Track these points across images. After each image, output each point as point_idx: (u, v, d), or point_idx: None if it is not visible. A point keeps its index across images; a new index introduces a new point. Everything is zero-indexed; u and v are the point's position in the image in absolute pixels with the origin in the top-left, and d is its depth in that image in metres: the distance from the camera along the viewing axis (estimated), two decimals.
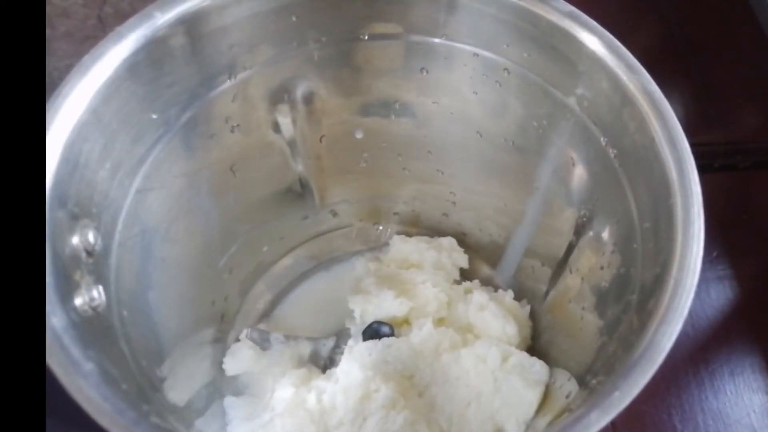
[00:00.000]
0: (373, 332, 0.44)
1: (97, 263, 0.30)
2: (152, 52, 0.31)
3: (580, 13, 0.33)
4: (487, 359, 0.41)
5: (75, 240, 0.29)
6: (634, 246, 0.33)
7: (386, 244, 0.51)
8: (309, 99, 0.40)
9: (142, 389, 0.31)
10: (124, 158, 0.32)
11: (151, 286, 0.36)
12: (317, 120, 0.42)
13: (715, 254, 0.55)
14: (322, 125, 0.43)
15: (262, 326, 0.47)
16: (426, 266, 0.48)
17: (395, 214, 0.52)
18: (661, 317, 0.27)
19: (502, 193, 0.45)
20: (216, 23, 0.33)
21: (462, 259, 0.50)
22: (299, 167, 0.44)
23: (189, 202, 0.39)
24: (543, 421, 0.38)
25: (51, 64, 0.52)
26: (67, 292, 0.27)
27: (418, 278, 0.47)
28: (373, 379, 0.41)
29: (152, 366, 0.34)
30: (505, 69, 0.37)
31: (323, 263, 0.51)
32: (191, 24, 0.32)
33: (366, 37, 0.38)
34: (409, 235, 0.51)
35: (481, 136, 0.42)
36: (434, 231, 0.52)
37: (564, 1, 0.34)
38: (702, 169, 0.30)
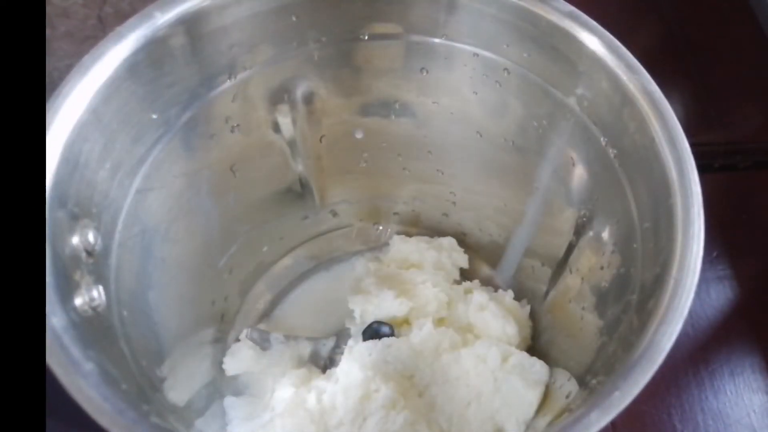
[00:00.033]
0: (373, 332, 0.44)
1: (97, 263, 0.30)
2: (152, 52, 0.31)
3: (580, 13, 0.33)
4: (487, 359, 0.41)
5: (75, 240, 0.29)
6: (634, 246, 0.33)
7: (386, 244, 0.51)
8: (309, 99, 0.40)
9: (142, 389, 0.31)
10: (124, 158, 0.32)
11: (151, 286, 0.36)
12: (317, 120, 0.42)
13: (715, 254, 0.55)
14: (322, 125, 0.43)
15: (262, 326, 0.47)
16: (426, 266, 0.48)
17: (395, 214, 0.52)
18: (661, 317, 0.27)
19: (502, 193, 0.45)
20: (216, 23, 0.33)
21: (462, 259, 0.50)
22: (299, 167, 0.44)
23: (189, 202, 0.39)
24: (543, 421, 0.38)
25: (51, 64, 0.52)
26: (67, 292, 0.27)
27: (418, 278, 0.47)
28: (373, 379, 0.41)
29: (152, 366, 0.34)
30: (505, 69, 0.37)
31: (323, 263, 0.51)
32: (191, 24, 0.32)
33: (366, 37, 0.38)
34: (409, 235, 0.51)
35: (481, 136, 0.42)
36: (434, 231, 0.52)
37: (564, 1, 0.34)
38: (702, 169, 0.30)
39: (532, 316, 0.47)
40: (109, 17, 0.57)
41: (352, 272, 0.50)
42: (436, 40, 0.38)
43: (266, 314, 0.49)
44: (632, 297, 0.32)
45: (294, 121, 0.41)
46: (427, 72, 0.40)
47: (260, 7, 0.34)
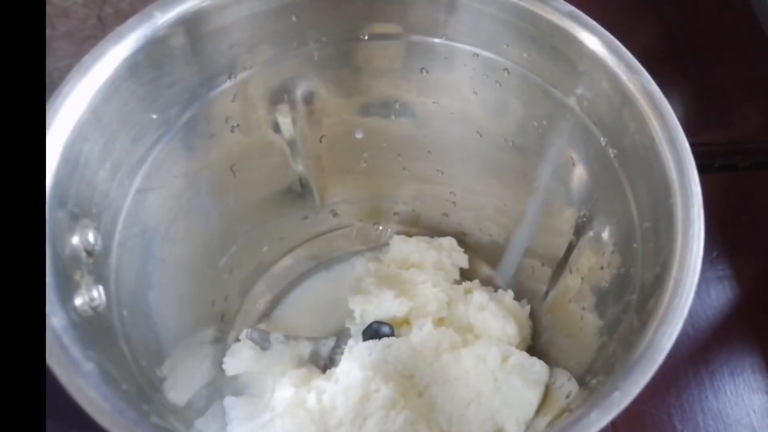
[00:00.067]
0: (373, 332, 0.44)
1: (97, 263, 0.30)
2: (152, 52, 0.31)
3: (580, 13, 0.33)
4: (487, 359, 0.41)
5: (75, 240, 0.29)
6: (634, 246, 0.33)
7: (386, 244, 0.51)
8: (309, 99, 0.40)
9: (142, 389, 0.31)
10: (124, 158, 0.32)
11: (151, 286, 0.36)
12: (317, 120, 0.42)
13: (715, 254, 0.55)
14: (322, 125, 0.43)
15: (262, 326, 0.47)
16: (426, 266, 0.48)
17: (395, 214, 0.52)
18: (661, 317, 0.27)
19: (502, 193, 0.45)
20: (216, 23, 0.33)
21: (462, 259, 0.50)
22: (299, 167, 0.44)
23: (189, 202, 0.39)
24: (543, 421, 0.38)
25: (51, 64, 0.52)
26: (67, 292, 0.27)
27: (418, 278, 0.47)
28: (373, 379, 0.41)
29: (152, 366, 0.34)
30: (505, 69, 0.37)
31: (323, 263, 0.51)
32: (191, 24, 0.32)
33: (366, 37, 0.38)
34: (409, 235, 0.51)
35: (481, 136, 0.42)
36: (434, 231, 0.52)
37: (564, 1, 0.34)
38: (702, 169, 0.30)
39: (532, 316, 0.47)
40: (109, 17, 0.57)
41: (352, 272, 0.50)
42: (436, 40, 0.38)
43: (266, 314, 0.49)
44: (632, 297, 0.32)
45: (294, 121, 0.41)
46: (427, 72, 0.40)
47: (260, 7, 0.34)
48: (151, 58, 0.31)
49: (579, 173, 0.38)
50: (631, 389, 0.26)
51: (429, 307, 0.45)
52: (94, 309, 0.29)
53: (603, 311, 0.36)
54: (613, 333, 0.33)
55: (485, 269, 0.51)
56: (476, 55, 0.38)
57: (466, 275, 0.50)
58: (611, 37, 0.33)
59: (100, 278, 0.30)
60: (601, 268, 0.36)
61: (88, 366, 0.25)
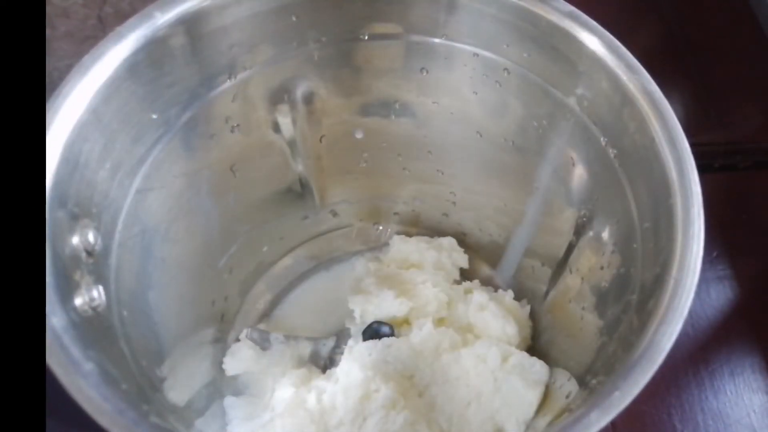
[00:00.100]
0: (373, 332, 0.44)
1: (97, 263, 0.30)
2: (152, 52, 0.31)
3: (580, 13, 0.33)
4: (487, 359, 0.41)
5: (75, 240, 0.29)
6: (634, 246, 0.33)
7: (386, 244, 0.51)
8: (309, 99, 0.40)
9: (142, 389, 0.31)
10: (124, 158, 0.32)
11: (151, 286, 0.36)
12: (317, 120, 0.42)
13: (715, 254, 0.55)
14: (322, 125, 0.43)
15: (262, 326, 0.47)
16: (426, 266, 0.48)
17: (395, 214, 0.52)
18: (661, 317, 0.27)
19: (502, 193, 0.45)
20: (216, 23, 0.33)
21: (462, 259, 0.50)
22: (299, 167, 0.44)
23: (189, 202, 0.39)
24: (543, 421, 0.38)
25: (51, 64, 0.52)
26: (67, 292, 0.27)
27: (418, 278, 0.47)
28: (373, 379, 0.41)
29: (152, 366, 0.34)
30: (505, 69, 0.37)
31: (323, 263, 0.51)
32: (191, 24, 0.32)
33: (366, 37, 0.38)
34: (409, 235, 0.51)
35: (481, 136, 0.42)
36: (434, 231, 0.52)
37: (564, 1, 0.34)
38: (702, 169, 0.30)
39: (532, 316, 0.47)
40: (109, 17, 0.57)
41: (352, 272, 0.50)
42: (436, 40, 0.38)
43: (266, 314, 0.49)
44: (632, 297, 0.32)
45: (294, 121, 0.41)
46: (427, 72, 0.40)
47: (260, 7, 0.34)
48: (151, 58, 0.31)
49: (579, 173, 0.38)
50: (631, 389, 0.26)
51: (429, 307, 0.45)
52: (94, 309, 0.29)
53: (603, 311, 0.36)
54: (613, 333, 0.33)
55: (485, 269, 0.51)
56: (476, 55, 0.38)
57: (466, 275, 0.50)
58: (611, 37, 0.33)
59: (100, 278, 0.30)
60: (601, 268, 0.36)
61: (88, 366, 0.25)
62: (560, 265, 0.42)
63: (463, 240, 0.51)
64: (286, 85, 0.39)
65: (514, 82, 0.38)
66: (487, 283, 0.50)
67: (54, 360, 0.24)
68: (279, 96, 0.39)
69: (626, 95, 0.32)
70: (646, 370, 0.26)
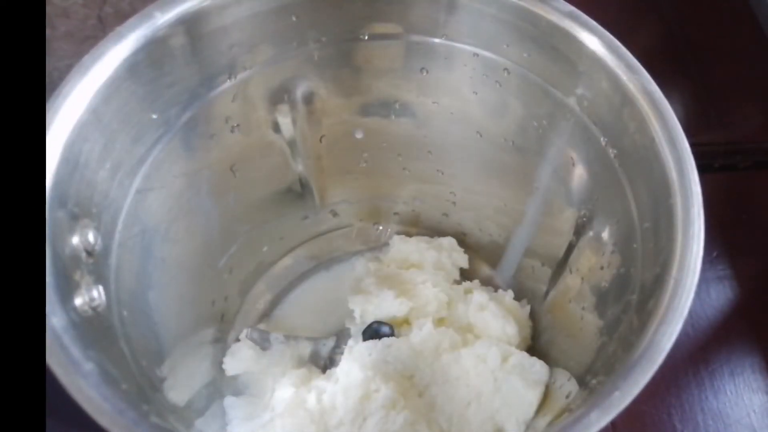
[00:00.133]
0: (373, 332, 0.44)
1: (97, 263, 0.30)
2: (152, 52, 0.31)
3: (580, 13, 0.33)
4: (487, 359, 0.41)
5: (75, 240, 0.29)
6: (634, 246, 0.33)
7: (386, 244, 0.51)
8: (309, 99, 0.40)
9: (142, 389, 0.31)
10: (124, 158, 0.32)
11: (151, 286, 0.36)
12: (317, 120, 0.42)
13: (715, 254, 0.55)
14: (322, 125, 0.43)
15: (262, 326, 0.47)
16: (426, 266, 0.48)
17: (395, 214, 0.52)
18: (661, 317, 0.27)
19: (502, 193, 0.45)
20: (216, 23, 0.33)
21: (462, 259, 0.50)
22: (299, 167, 0.44)
23: (189, 202, 0.39)
24: (543, 421, 0.38)
25: (51, 64, 0.52)
26: (67, 292, 0.27)
27: (418, 278, 0.47)
28: (373, 379, 0.41)
29: (152, 366, 0.34)
30: (505, 69, 0.37)
31: (323, 263, 0.51)
32: (191, 24, 0.32)
33: (366, 37, 0.38)
34: (409, 235, 0.51)
35: (481, 136, 0.42)
36: (434, 231, 0.52)
37: (564, 1, 0.34)
38: (702, 169, 0.30)
39: (532, 316, 0.47)
40: (109, 17, 0.57)
41: (352, 272, 0.50)
42: (436, 40, 0.38)
43: (266, 314, 0.49)
44: (632, 297, 0.32)
45: (294, 121, 0.41)
46: (427, 72, 0.40)
47: (260, 7, 0.34)
48: (151, 58, 0.31)
49: (579, 173, 0.38)
50: (631, 389, 0.26)
51: (429, 307, 0.45)
52: (94, 309, 0.29)
53: (603, 311, 0.36)
54: (613, 333, 0.33)
55: (485, 269, 0.51)
56: (476, 55, 0.38)
57: (466, 275, 0.50)
58: (611, 37, 0.33)
59: (100, 278, 0.30)
60: (601, 268, 0.36)
61: (88, 366, 0.25)
62: (560, 265, 0.42)
63: (463, 240, 0.51)
64: (286, 85, 0.39)
65: (514, 82, 0.38)
66: (487, 283, 0.50)
67: (54, 360, 0.24)
68: (279, 96, 0.39)
69: (626, 95, 0.32)
70: (646, 370, 0.26)
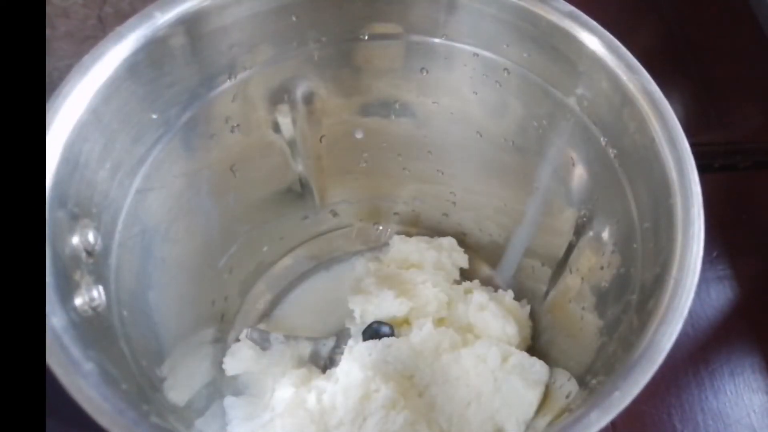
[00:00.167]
0: (373, 332, 0.44)
1: (97, 263, 0.30)
2: (152, 52, 0.31)
3: (580, 13, 0.33)
4: (487, 359, 0.41)
5: (75, 240, 0.29)
6: (634, 246, 0.33)
7: (386, 244, 0.51)
8: (309, 99, 0.40)
9: (142, 389, 0.31)
10: (124, 158, 0.32)
11: (151, 286, 0.36)
12: (317, 120, 0.42)
13: (715, 254, 0.55)
14: (322, 125, 0.43)
15: (262, 326, 0.47)
16: (426, 266, 0.48)
17: (395, 214, 0.52)
18: (661, 317, 0.27)
19: (502, 193, 0.45)
20: (216, 23, 0.33)
21: (462, 259, 0.50)
22: (299, 167, 0.44)
23: (189, 202, 0.39)
24: (543, 421, 0.38)
25: (51, 64, 0.52)
26: (67, 292, 0.27)
27: (418, 278, 0.47)
28: (373, 379, 0.41)
29: (152, 366, 0.34)
30: (505, 69, 0.37)
31: (323, 263, 0.51)
32: (191, 24, 0.32)
33: (366, 37, 0.38)
34: (409, 235, 0.51)
35: (481, 136, 0.42)
36: (434, 231, 0.52)
37: (564, 1, 0.34)
38: (702, 169, 0.30)
39: (532, 316, 0.47)
40: (109, 17, 0.57)
41: (352, 272, 0.50)
42: (436, 40, 0.38)
43: (266, 314, 0.49)
44: (632, 297, 0.32)
45: (294, 121, 0.41)
46: (427, 72, 0.40)
47: (260, 7, 0.34)
48: (151, 58, 0.31)
49: (579, 173, 0.38)
50: (631, 389, 0.26)
51: (429, 307, 0.45)
52: (94, 309, 0.29)
53: (603, 311, 0.36)
54: (613, 333, 0.33)
55: (485, 269, 0.51)
56: (476, 55, 0.38)
57: (466, 275, 0.50)
58: (611, 37, 0.33)
59: (100, 278, 0.30)
60: (601, 268, 0.36)
61: (88, 366, 0.25)
62: (560, 265, 0.42)
63: (463, 240, 0.51)
64: (286, 85, 0.39)
65: (514, 82, 0.38)
66: (487, 283, 0.50)
67: (54, 360, 0.24)
68: (279, 96, 0.39)
69: (626, 95, 0.32)
70: (646, 370, 0.26)
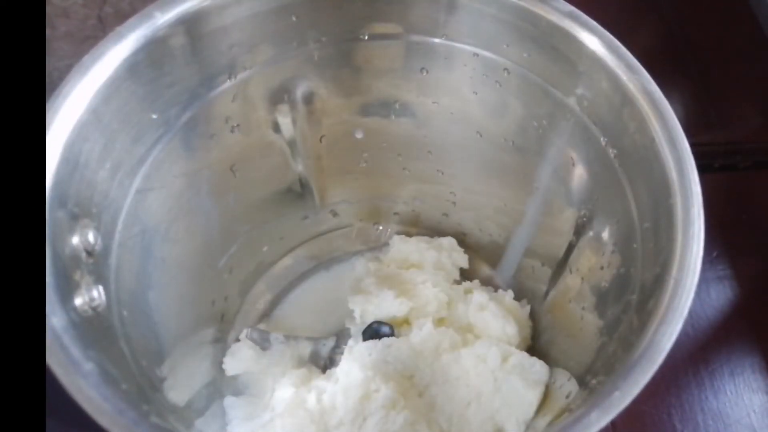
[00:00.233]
0: (373, 332, 0.44)
1: (97, 263, 0.30)
2: (152, 52, 0.31)
3: (580, 13, 0.33)
4: (487, 359, 0.41)
5: (75, 240, 0.29)
6: (634, 246, 0.33)
7: (386, 244, 0.51)
8: (309, 99, 0.40)
9: (142, 389, 0.31)
10: (124, 158, 0.32)
11: (151, 286, 0.36)
12: (317, 120, 0.42)
13: (715, 254, 0.55)
14: (322, 125, 0.43)
15: (262, 326, 0.47)
16: (426, 266, 0.48)
17: (395, 214, 0.52)
18: (661, 317, 0.27)
19: (502, 193, 0.45)
20: (216, 23, 0.33)
21: (462, 259, 0.50)
22: (299, 167, 0.44)
23: (189, 202, 0.39)
24: (543, 421, 0.38)
25: (51, 64, 0.52)
26: (67, 292, 0.27)
27: (418, 278, 0.47)
28: (373, 379, 0.41)
29: (152, 366, 0.34)
30: (505, 69, 0.37)
31: (323, 263, 0.51)
32: (191, 24, 0.32)
33: (366, 37, 0.38)
34: (409, 235, 0.51)
35: (481, 136, 0.42)
36: (434, 231, 0.52)
37: (564, 1, 0.34)
38: (702, 169, 0.30)
39: (532, 316, 0.47)
40: (109, 17, 0.57)
41: (352, 272, 0.50)
42: (436, 40, 0.38)
43: (266, 314, 0.49)
44: (632, 297, 0.32)
45: (294, 121, 0.41)
46: (427, 72, 0.40)
47: (260, 7, 0.34)
48: (151, 58, 0.31)
49: (579, 173, 0.38)
50: (631, 389, 0.26)
51: (429, 307, 0.45)
52: (94, 309, 0.29)
53: (603, 311, 0.36)
54: (613, 333, 0.33)
55: (485, 269, 0.51)
56: (476, 55, 0.38)
57: (466, 275, 0.50)
58: (611, 37, 0.33)
59: (100, 278, 0.30)
60: (601, 268, 0.36)
61: (88, 366, 0.25)
62: (560, 265, 0.42)
63: (463, 240, 0.51)
64: (286, 85, 0.39)
65: (514, 82, 0.38)
66: (487, 283, 0.50)
67: (54, 360, 0.24)
68: (279, 96, 0.39)
69: (626, 95, 0.32)
70: (646, 370, 0.26)
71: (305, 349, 0.45)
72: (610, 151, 0.34)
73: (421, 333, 0.43)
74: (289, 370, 0.44)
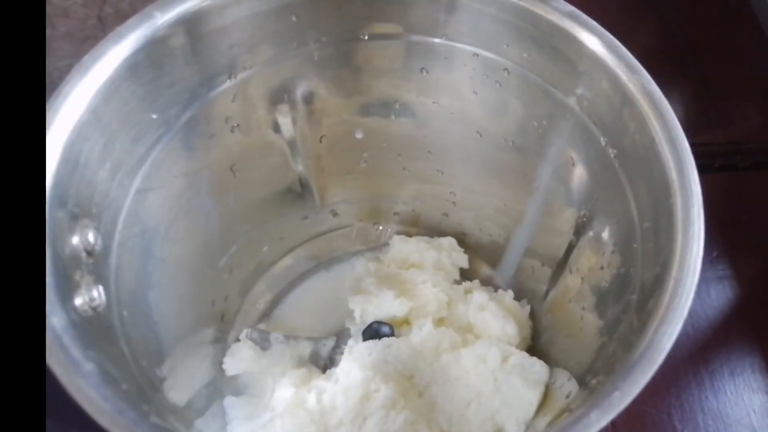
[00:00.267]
0: (373, 332, 0.44)
1: (97, 263, 0.30)
2: (152, 52, 0.31)
3: (580, 13, 0.33)
4: (487, 359, 0.41)
5: (75, 240, 0.29)
6: (634, 246, 0.33)
7: (386, 244, 0.51)
8: (309, 99, 0.40)
9: (142, 389, 0.31)
10: (124, 158, 0.32)
11: (151, 286, 0.36)
12: (317, 120, 0.42)
13: (715, 254, 0.55)
14: (322, 125, 0.43)
15: (262, 326, 0.47)
16: (426, 266, 0.48)
17: (395, 214, 0.52)
18: (661, 317, 0.27)
19: (502, 193, 0.45)
20: (216, 23, 0.33)
21: (462, 259, 0.50)
22: (299, 167, 0.44)
23: (189, 202, 0.39)
24: (543, 421, 0.38)
25: (51, 64, 0.52)
26: (67, 292, 0.27)
27: (418, 278, 0.47)
28: (373, 379, 0.41)
29: (152, 366, 0.34)
30: (505, 69, 0.37)
31: (323, 263, 0.51)
32: (191, 24, 0.32)
33: (366, 37, 0.38)
34: (409, 235, 0.51)
35: (481, 136, 0.42)
36: (434, 231, 0.52)
37: (564, 1, 0.34)
38: (702, 169, 0.30)
39: (532, 316, 0.47)
40: (109, 17, 0.57)
41: (352, 272, 0.50)
42: (436, 40, 0.38)
43: (266, 314, 0.49)
44: (632, 297, 0.32)
45: (294, 121, 0.41)
46: (427, 72, 0.40)
47: (260, 7, 0.34)
48: (151, 58, 0.31)
49: (579, 173, 0.38)
50: (631, 389, 0.26)
51: (429, 307, 0.45)
52: (94, 309, 0.29)
53: (603, 311, 0.36)
54: (613, 333, 0.33)
55: (485, 269, 0.51)
56: (476, 55, 0.38)
57: (466, 275, 0.50)
58: (611, 37, 0.33)
59: (100, 278, 0.30)
60: (601, 268, 0.36)
61: (88, 366, 0.25)
62: (560, 265, 0.42)
63: (463, 240, 0.51)
64: (286, 85, 0.39)
65: (514, 82, 0.38)
66: (487, 283, 0.50)
67: (54, 360, 0.24)
68: (279, 96, 0.39)
69: (626, 95, 0.32)
70: (646, 370, 0.26)
71: (305, 349, 0.45)
72: (610, 151, 0.34)
73: (421, 333, 0.43)
74: (289, 370, 0.44)
